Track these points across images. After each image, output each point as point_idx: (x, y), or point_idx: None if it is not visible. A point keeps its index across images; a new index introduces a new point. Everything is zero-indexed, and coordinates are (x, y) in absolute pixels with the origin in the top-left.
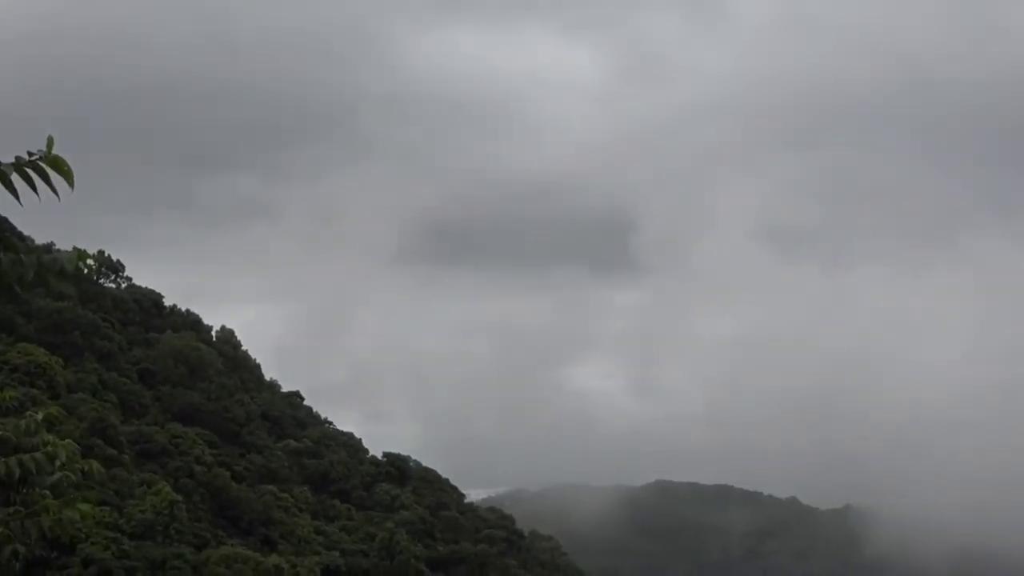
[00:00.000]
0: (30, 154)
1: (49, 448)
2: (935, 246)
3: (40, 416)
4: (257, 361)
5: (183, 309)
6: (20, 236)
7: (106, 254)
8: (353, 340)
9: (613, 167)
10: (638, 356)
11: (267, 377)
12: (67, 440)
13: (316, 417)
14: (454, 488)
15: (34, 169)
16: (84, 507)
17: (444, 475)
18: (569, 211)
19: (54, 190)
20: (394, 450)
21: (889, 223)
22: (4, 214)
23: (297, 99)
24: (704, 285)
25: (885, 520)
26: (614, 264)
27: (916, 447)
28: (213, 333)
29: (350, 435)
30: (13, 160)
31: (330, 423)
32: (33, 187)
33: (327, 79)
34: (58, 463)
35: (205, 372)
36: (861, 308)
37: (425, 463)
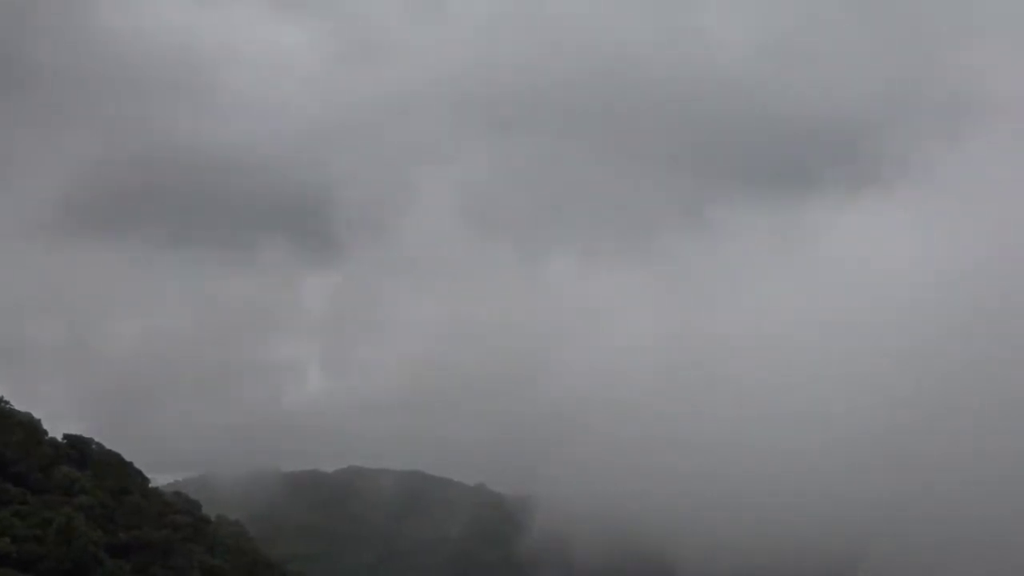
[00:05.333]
0: None
1: None
2: (627, 240)
3: None
4: None
5: None
6: None
7: None
8: (20, 315)
9: (321, 147)
10: (335, 339)
11: None
12: None
13: None
14: (138, 472)
15: None
16: None
17: (130, 459)
18: (273, 190)
19: None
20: (76, 433)
21: (585, 215)
22: None
23: None
24: (404, 268)
25: (563, 507)
26: (315, 245)
27: (600, 435)
28: None
29: (28, 415)
30: None
31: (7, 402)
32: None
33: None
34: None
35: None
36: (553, 297)
37: (110, 447)
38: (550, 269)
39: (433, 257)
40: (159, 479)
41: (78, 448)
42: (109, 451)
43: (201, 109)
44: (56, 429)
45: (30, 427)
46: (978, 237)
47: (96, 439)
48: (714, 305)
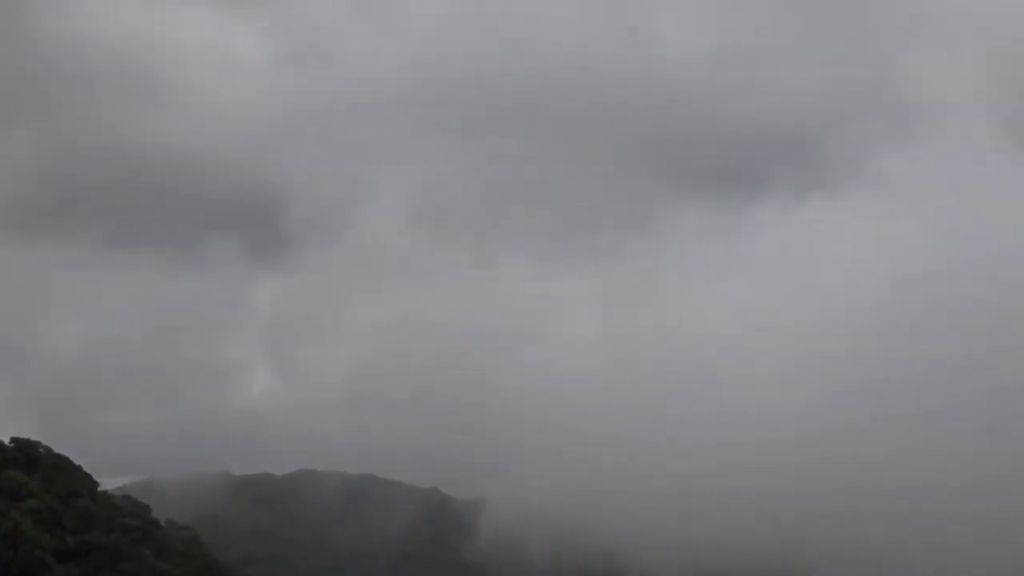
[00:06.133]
0: None
1: None
2: (579, 241)
3: None
4: None
5: None
6: None
7: None
8: None
9: (272, 148)
10: (286, 340)
11: None
12: None
13: None
14: (88, 476)
15: None
16: None
17: (79, 462)
18: (224, 191)
19: None
20: (25, 436)
21: (536, 217)
22: None
23: None
24: (356, 269)
25: (515, 508)
26: (267, 246)
27: (553, 436)
28: None
29: None
30: None
31: None
32: None
33: None
34: None
35: None
36: (506, 297)
37: (59, 450)
38: (502, 270)
39: (385, 258)
40: (108, 483)
41: (25, 452)
42: (57, 455)
43: (151, 110)
44: (3, 432)
45: None
46: (926, 240)
47: (44, 443)
48: (664, 306)
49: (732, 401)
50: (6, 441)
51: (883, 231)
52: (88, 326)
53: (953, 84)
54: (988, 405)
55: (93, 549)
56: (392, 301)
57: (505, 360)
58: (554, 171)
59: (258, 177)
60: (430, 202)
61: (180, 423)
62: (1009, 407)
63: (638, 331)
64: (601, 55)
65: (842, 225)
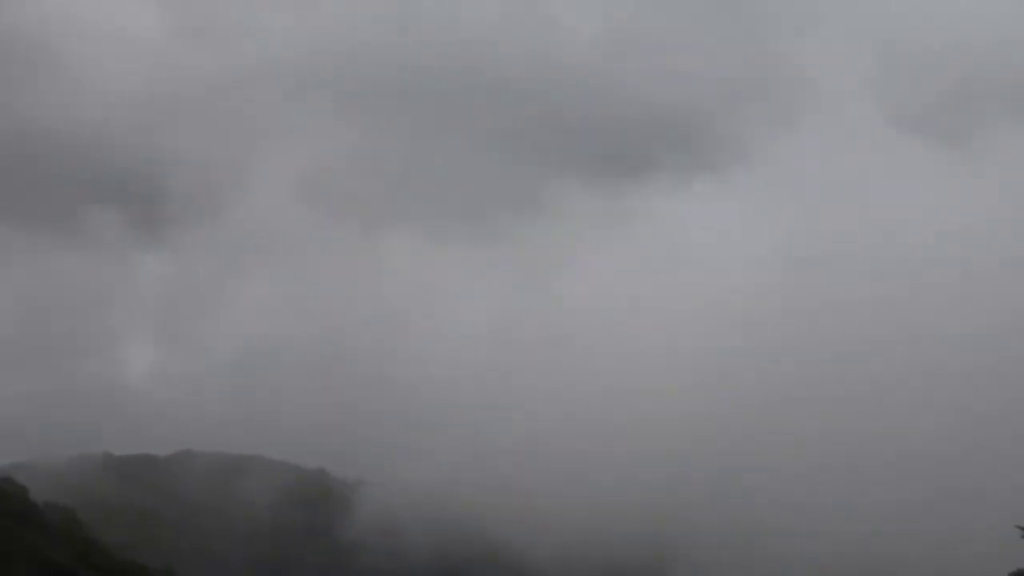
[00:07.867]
0: None
1: None
2: (466, 221)
3: None
4: None
5: None
6: None
7: None
8: None
9: (159, 123)
10: (170, 317)
11: None
12: None
13: None
14: None
15: None
16: None
17: None
18: (107, 166)
19: None
20: None
21: (425, 196)
22: None
23: None
24: (242, 246)
25: (398, 492)
26: (152, 222)
27: (437, 419)
28: None
29: None
30: None
31: None
32: None
33: None
34: None
35: None
36: (394, 276)
37: None
38: (391, 249)
39: (272, 235)
40: None
41: None
42: None
43: (33, 83)
44: None
45: None
46: (811, 221)
47: None
48: (553, 286)
49: (622, 381)
50: None
51: (768, 213)
52: None
53: (839, 70)
54: (872, 385)
55: None
56: (279, 278)
57: (393, 339)
58: (443, 151)
59: (143, 152)
60: (318, 179)
61: (59, 403)
62: (893, 388)
63: (527, 311)
64: (491, 36)
65: (728, 207)
